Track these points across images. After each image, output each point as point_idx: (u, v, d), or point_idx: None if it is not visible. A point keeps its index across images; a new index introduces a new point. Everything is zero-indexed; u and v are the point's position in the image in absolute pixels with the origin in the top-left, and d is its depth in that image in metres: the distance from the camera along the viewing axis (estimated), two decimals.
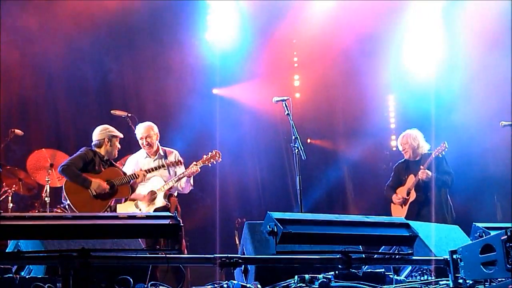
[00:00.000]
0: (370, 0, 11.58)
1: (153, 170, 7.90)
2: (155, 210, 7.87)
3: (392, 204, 8.85)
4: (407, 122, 10.43)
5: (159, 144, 8.27)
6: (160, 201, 7.97)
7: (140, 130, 8.21)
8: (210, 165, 8.16)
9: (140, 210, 7.94)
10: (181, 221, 4.44)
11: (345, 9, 11.73)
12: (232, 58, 11.66)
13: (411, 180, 8.61)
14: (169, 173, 8.16)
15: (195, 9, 11.85)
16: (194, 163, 8.07)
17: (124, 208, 7.90)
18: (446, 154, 8.55)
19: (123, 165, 8.33)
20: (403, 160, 8.87)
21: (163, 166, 7.97)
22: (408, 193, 8.61)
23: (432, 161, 8.46)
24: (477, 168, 10.89)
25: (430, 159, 8.44)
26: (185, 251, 8.10)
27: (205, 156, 8.11)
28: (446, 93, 11.25)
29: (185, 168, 8.10)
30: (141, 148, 8.25)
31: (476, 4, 11.21)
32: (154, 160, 8.16)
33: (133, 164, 8.20)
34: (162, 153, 8.23)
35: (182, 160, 8.16)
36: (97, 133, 7.78)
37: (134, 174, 7.76)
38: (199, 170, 8.07)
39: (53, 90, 10.72)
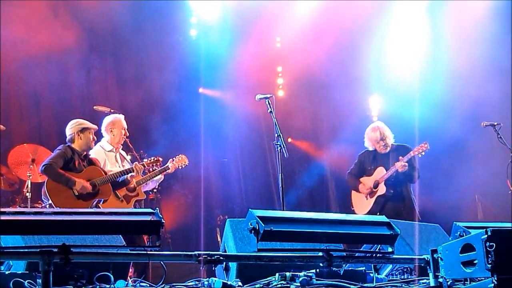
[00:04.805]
0: (355, 0, 11.63)
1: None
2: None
3: (354, 192, 8.71)
4: (390, 122, 10.46)
5: None
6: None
7: (113, 120, 8.13)
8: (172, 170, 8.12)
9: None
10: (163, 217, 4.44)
11: (329, 9, 11.75)
12: (216, 57, 11.63)
13: (380, 172, 8.46)
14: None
15: (179, 8, 11.83)
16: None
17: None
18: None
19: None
20: (371, 149, 8.68)
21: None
22: (376, 186, 8.47)
23: (411, 157, 8.34)
24: (459, 168, 10.96)
25: (409, 155, 8.30)
26: None
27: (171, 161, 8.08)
28: (429, 93, 11.30)
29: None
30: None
31: (460, 3, 11.28)
32: (118, 154, 8.10)
33: (103, 157, 7.99)
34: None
35: None
36: (68, 128, 7.64)
37: (130, 168, 7.69)
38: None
39: (35, 85, 10.64)
